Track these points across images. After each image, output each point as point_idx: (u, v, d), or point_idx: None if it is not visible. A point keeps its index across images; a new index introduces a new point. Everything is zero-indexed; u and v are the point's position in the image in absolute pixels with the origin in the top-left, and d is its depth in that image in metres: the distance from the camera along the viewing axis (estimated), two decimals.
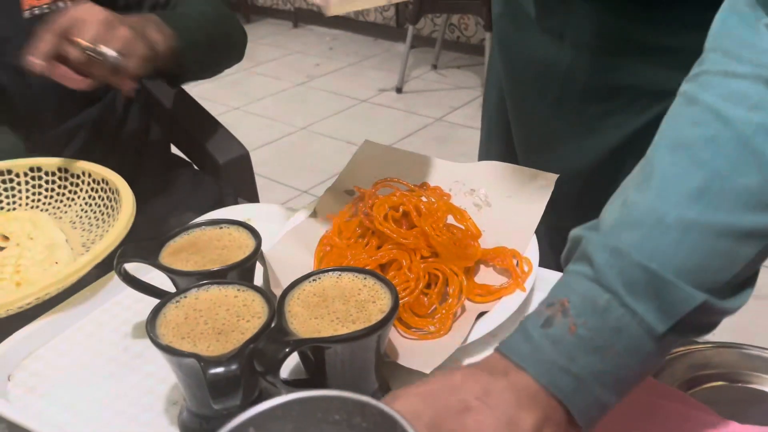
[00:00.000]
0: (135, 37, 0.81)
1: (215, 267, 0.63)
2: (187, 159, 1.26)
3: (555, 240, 0.71)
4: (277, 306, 0.57)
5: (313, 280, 0.61)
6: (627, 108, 0.82)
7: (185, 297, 0.59)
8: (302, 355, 0.57)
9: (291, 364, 0.66)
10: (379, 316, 0.56)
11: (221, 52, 1.05)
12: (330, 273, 0.61)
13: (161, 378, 0.66)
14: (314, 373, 0.57)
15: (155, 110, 1.19)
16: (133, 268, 0.71)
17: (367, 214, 0.75)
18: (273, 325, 0.55)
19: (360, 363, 0.56)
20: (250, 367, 0.52)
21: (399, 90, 3.46)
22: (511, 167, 0.82)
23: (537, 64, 0.88)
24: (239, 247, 0.68)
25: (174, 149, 1.26)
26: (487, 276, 0.73)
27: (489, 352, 0.66)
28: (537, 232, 0.75)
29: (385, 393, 0.60)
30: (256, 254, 0.66)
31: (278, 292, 0.67)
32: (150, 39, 0.85)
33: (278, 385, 0.52)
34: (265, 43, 4.40)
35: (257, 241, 0.67)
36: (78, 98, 0.91)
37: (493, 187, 0.82)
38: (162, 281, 0.69)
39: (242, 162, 1.16)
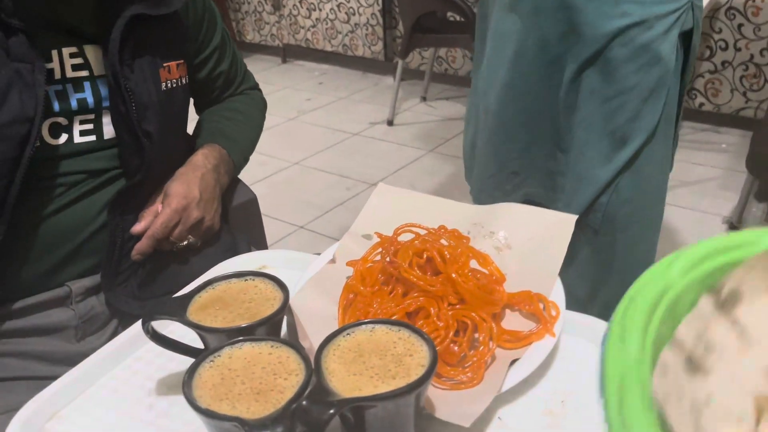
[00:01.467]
0: (214, 214, 1.06)
1: (244, 323, 0.63)
2: None
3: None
4: (314, 363, 0.56)
5: (347, 334, 0.60)
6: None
7: (219, 356, 0.58)
8: (342, 417, 0.56)
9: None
10: (419, 371, 0.55)
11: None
12: (363, 327, 0.61)
13: None
14: (353, 430, 0.56)
15: None
16: (158, 324, 0.70)
17: (391, 261, 0.75)
18: (312, 383, 0.54)
19: (401, 419, 0.55)
20: (293, 429, 0.51)
21: (390, 123, 3.48)
22: (528, 208, 0.83)
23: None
24: (266, 299, 0.67)
25: None
26: (513, 321, 0.73)
27: (524, 399, 0.67)
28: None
29: None
30: (285, 307, 0.66)
31: (305, 345, 0.66)
32: (222, 188, 1.11)
33: None
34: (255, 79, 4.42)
35: (285, 294, 0.67)
36: None
37: (512, 229, 0.82)
38: (184, 334, 0.68)
39: (250, 206, 1.16)
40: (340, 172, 3.03)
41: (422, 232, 0.79)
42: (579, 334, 0.73)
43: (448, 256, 0.73)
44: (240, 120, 1.20)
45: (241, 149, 1.16)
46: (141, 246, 0.97)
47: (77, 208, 0.95)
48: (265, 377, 0.56)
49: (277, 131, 3.58)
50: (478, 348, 0.68)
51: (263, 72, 4.56)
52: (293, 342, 0.59)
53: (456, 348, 0.68)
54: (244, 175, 1.20)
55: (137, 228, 0.98)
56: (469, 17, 2.94)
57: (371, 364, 0.57)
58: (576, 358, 0.71)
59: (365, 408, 0.53)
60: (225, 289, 0.70)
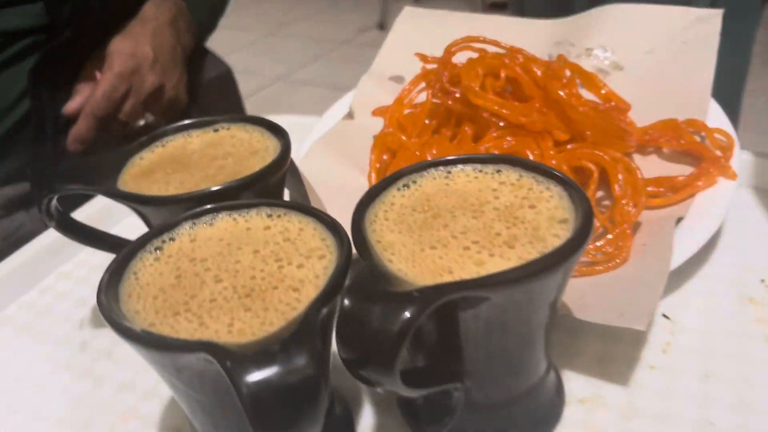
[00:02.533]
0: (177, 82, 0.76)
1: (216, 186, 0.35)
2: None
3: None
4: (353, 234, 0.29)
5: (404, 185, 0.33)
6: None
7: (172, 240, 0.31)
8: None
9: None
10: (562, 229, 0.28)
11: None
12: (431, 170, 0.33)
13: (148, 390, 0.39)
14: (441, 357, 0.30)
15: None
16: (83, 215, 0.43)
17: (448, 89, 0.47)
18: (354, 270, 0.27)
19: (528, 324, 0.29)
20: (325, 359, 0.24)
21: (381, 26, 3.12)
22: (640, 8, 0.54)
23: None
24: (252, 153, 0.40)
25: None
26: (649, 167, 0.46)
27: (701, 282, 0.40)
28: None
29: (554, 369, 0.33)
30: (286, 159, 0.38)
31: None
32: (185, 49, 0.79)
33: (392, 386, 0.25)
34: None
35: (284, 142, 0.39)
36: None
37: (619, 41, 0.54)
38: (130, 229, 0.41)
39: (225, 81, 0.87)
40: (331, 85, 2.70)
41: (491, 49, 0.50)
42: (761, 177, 0.47)
43: (540, 74, 0.45)
44: None
45: (205, 3, 0.85)
46: (79, 129, 0.68)
47: None
48: (261, 266, 0.29)
49: (254, 49, 3.22)
50: (616, 207, 0.40)
51: None
52: (310, 207, 0.32)
53: None
54: None
55: (71, 106, 0.69)
56: None
57: (460, 227, 0.30)
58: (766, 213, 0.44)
59: (465, 306, 0.26)
60: (182, 144, 0.42)
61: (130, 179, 0.38)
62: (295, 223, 0.32)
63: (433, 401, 0.32)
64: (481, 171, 0.33)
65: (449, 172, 0.33)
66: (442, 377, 0.29)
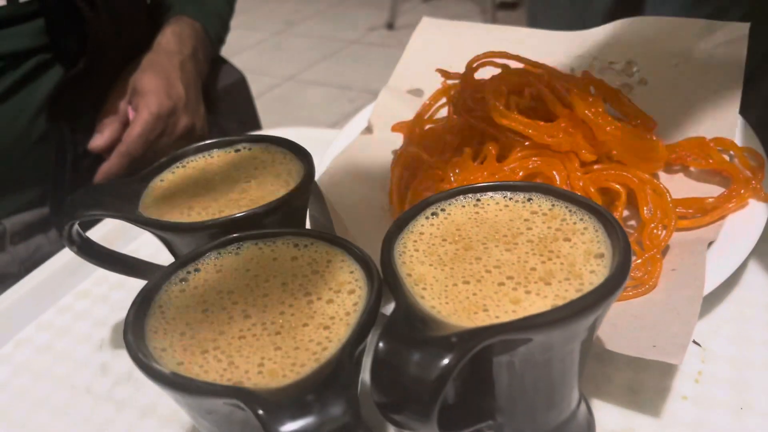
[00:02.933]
0: (203, 119, 0.76)
1: (239, 212, 0.34)
2: None
3: None
4: (382, 267, 0.28)
5: (433, 214, 0.32)
6: None
7: (197, 270, 0.31)
8: None
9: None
10: (599, 265, 0.27)
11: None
12: (460, 198, 0.33)
13: (169, 415, 0.38)
14: (473, 394, 0.29)
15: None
16: (100, 233, 0.43)
17: (471, 107, 0.46)
18: (391, 307, 0.26)
19: (566, 363, 0.28)
20: (357, 407, 0.24)
21: (390, 26, 3.11)
22: (665, 21, 0.53)
23: None
24: (275, 175, 0.39)
25: None
26: (676, 187, 0.45)
27: (734, 307, 0.39)
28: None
29: (584, 401, 0.33)
30: (310, 182, 0.37)
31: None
32: (203, 80, 0.79)
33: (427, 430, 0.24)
34: None
35: (308, 164, 0.38)
36: None
37: (645, 54, 0.53)
38: (147, 250, 0.40)
39: (238, 88, 0.86)
40: (340, 85, 2.70)
41: (514, 64, 0.49)
42: None
43: (566, 93, 0.44)
44: None
45: (218, 16, 0.84)
46: (110, 167, 0.66)
47: None
48: (290, 301, 0.28)
49: (262, 47, 3.21)
50: (645, 230, 0.40)
51: None
52: (337, 237, 0.31)
53: None
54: None
55: (99, 142, 0.68)
56: None
57: (493, 261, 0.29)
58: None
59: (502, 347, 0.25)
60: (203, 165, 0.41)
61: (151, 203, 0.38)
62: (323, 254, 0.31)
63: None
64: (511, 199, 0.32)
65: (478, 200, 0.33)
66: (475, 416, 0.28)
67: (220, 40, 0.85)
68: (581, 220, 0.30)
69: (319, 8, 3.59)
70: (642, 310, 0.37)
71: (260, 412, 0.21)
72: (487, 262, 0.29)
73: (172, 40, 0.75)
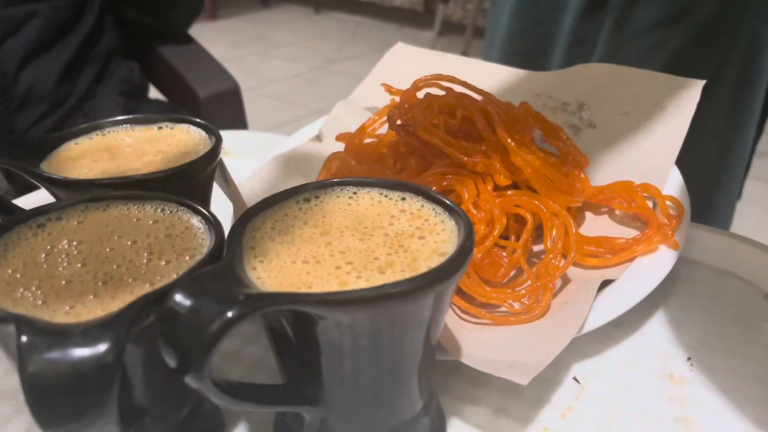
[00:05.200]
0: None
1: (123, 177, 0.35)
2: (164, 99, 0.98)
3: None
4: (228, 237, 0.28)
5: (305, 200, 0.32)
6: None
7: (59, 219, 0.31)
8: (275, 337, 0.28)
9: (251, 355, 0.38)
10: (437, 262, 0.27)
11: None
12: (337, 188, 0.33)
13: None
14: (298, 373, 0.28)
15: (132, 29, 0.91)
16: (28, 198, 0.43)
17: (404, 124, 0.46)
18: (214, 266, 0.26)
19: (390, 357, 0.27)
20: (145, 354, 0.23)
21: None
22: (624, 71, 0.53)
23: None
24: (184, 153, 0.40)
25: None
26: (598, 227, 0.44)
27: (622, 351, 0.38)
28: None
29: (435, 413, 0.32)
30: (213, 160, 0.38)
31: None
32: None
33: (209, 394, 0.23)
34: (283, 28, 4.14)
35: (215, 140, 0.39)
36: None
37: (598, 100, 0.53)
38: None
39: (230, 97, 0.88)
40: None
41: (459, 89, 0.50)
42: (708, 254, 0.44)
43: (497, 117, 0.44)
44: None
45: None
46: None
47: None
48: (131, 257, 0.28)
49: (301, 80, 3.29)
50: (543, 260, 0.39)
51: (293, 21, 4.26)
52: (206, 210, 0.31)
53: (504, 256, 0.39)
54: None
55: None
56: None
57: (342, 246, 0.29)
58: (707, 289, 0.42)
59: (313, 324, 0.25)
60: (122, 137, 0.42)
61: (56, 161, 0.38)
62: (184, 221, 0.31)
63: (289, 425, 0.30)
64: (386, 196, 0.32)
65: (355, 193, 0.32)
66: (293, 397, 0.28)
67: None
68: (442, 221, 0.30)
69: (360, 51, 3.67)
70: (520, 335, 0.35)
71: (23, 339, 0.21)
72: (335, 248, 0.28)
73: None
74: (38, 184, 0.36)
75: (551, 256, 0.38)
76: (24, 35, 0.72)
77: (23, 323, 0.22)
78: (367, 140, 0.51)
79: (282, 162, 0.51)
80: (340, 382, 0.27)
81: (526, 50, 0.82)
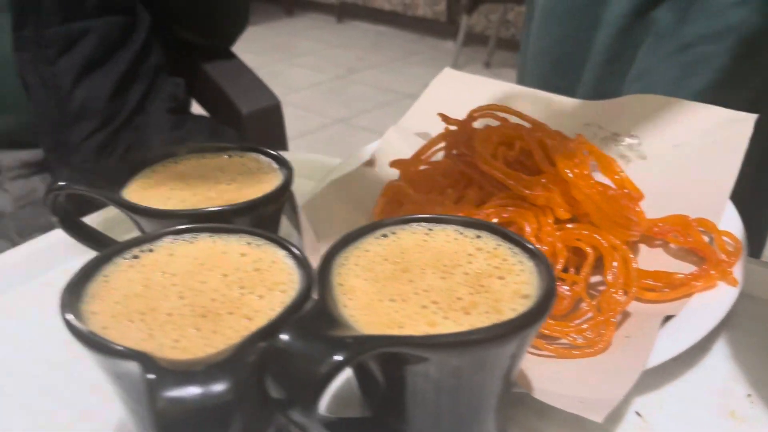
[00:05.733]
0: None
1: (206, 208, 0.36)
2: (206, 115, 1.00)
3: None
4: (318, 274, 0.29)
5: (383, 235, 0.33)
6: None
7: (150, 250, 0.32)
8: (361, 372, 0.29)
9: (334, 386, 0.39)
10: (519, 304, 0.28)
11: None
12: (413, 225, 0.34)
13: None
14: (383, 407, 0.30)
15: (177, 45, 0.93)
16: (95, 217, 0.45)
17: (462, 154, 0.47)
18: (308, 306, 0.27)
19: (475, 394, 0.28)
20: (257, 392, 0.24)
21: None
22: (675, 102, 0.54)
23: None
24: (257, 182, 0.41)
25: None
26: (653, 260, 0.45)
27: (683, 387, 0.38)
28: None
29: None
30: (285, 191, 0.39)
31: (314, 261, 0.39)
32: None
33: (312, 429, 0.25)
34: (306, 36, 4.18)
35: (287, 173, 0.40)
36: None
37: (647, 131, 0.53)
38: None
39: (271, 114, 0.90)
40: None
41: (513, 119, 0.51)
42: (765, 288, 0.45)
43: (556, 150, 0.45)
44: None
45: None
46: None
47: None
48: (224, 291, 0.30)
49: (323, 88, 3.32)
50: (604, 293, 0.40)
51: (316, 30, 4.30)
52: (290, 242, 0.33)
53: (566, 290, 0.40)
54: None
55: None
56: None
57: (425, 285, 0.30)
58: (765, 325, 0.43)
59: (407, 363, 0.26)
60: (194, 164, 0.43)
61: (135, 190, 0.40)
62: (270, 254, 0.32)
63: None
64: (461, 234, 0.33)
65: (430, 229, 0.34)
66: (382, 431, 0.29)
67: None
68: (520, 262, 0.31)
69: (382, 60, 3.70)
70: (585, 369, 0.36)
71: (148, 376, 0.22)
72: (418, 286, 0.30)
73: None
74: (124, 213, 0.38)
75: (612, 290, 0.39)
76: (78, 52, 0.74)
77: (147, 361, 0.23)
78: (422, 167, 0.52)
79: (336, 189, 0.52)
80: (424, 416, 0.28)
81: (558, 66, 0.83)
